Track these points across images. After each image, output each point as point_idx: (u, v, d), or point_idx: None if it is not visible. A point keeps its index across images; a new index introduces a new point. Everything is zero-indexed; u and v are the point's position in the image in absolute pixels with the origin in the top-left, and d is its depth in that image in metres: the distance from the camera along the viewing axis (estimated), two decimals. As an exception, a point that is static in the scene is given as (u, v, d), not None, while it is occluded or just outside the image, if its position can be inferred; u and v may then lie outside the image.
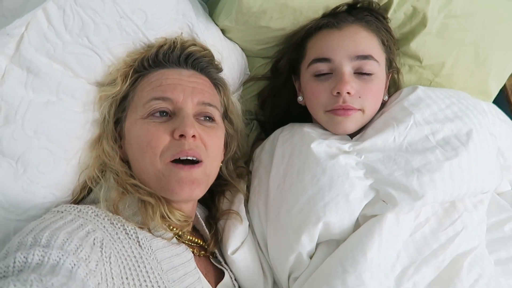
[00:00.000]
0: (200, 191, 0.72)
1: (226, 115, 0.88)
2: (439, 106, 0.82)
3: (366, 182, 0.74)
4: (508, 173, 0.93)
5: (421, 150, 0.76)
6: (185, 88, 0.74)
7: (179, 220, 0.70)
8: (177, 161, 0.69)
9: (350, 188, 0.73)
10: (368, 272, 0.66)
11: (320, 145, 0.79)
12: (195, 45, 0.81)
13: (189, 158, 0.69)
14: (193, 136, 0.70)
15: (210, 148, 0.74)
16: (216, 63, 0.85)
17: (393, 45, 0.90)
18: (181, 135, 0.69)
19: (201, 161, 0.71)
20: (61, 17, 0.66)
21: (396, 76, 0.95)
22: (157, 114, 0.72)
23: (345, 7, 0.88)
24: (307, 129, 0.85)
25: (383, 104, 0.90)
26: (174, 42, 0.79)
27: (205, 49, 0.83)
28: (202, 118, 0.76)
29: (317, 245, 0.75)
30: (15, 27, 0.61)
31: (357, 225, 0.74)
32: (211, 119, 0.77)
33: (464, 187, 0.74)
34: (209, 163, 0.73)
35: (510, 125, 0.96)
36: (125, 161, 0.75)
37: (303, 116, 0.95)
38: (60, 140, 0.70)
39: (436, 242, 0.71)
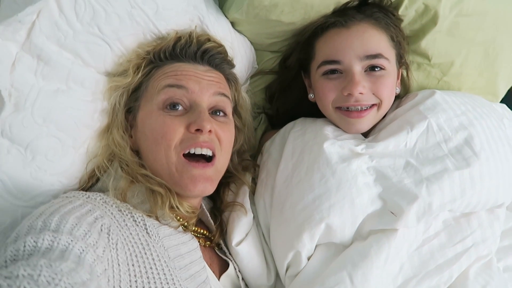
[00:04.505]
0: (212, 188, 0.74)
1: (235, 109, 0.89)
2: (455, 112, 0.81)
3: (375, 190, 0.74)
4: None
5: (431, 159, 0.75)
6: (200, 81, 0.75)
7: (187, 212, 0.71)
8: (191, 156, 0.71)
9: (357, 193, 0.73)
10: None
11: (333, 145, 0.79)
12: (210, 40, 0.82)
13: (203, 152, 0.71)
14: (209, 131, 0.71)
15: (224, 143, 0.75)
16: (229, 59, 0.86)
17: (403, 40, 0.89)
18: (197, 130, 0.70)
19: (214, 156, 0.73)
20: (73, 5, 0.65)
21: (405, 72, 0.94)
22: (173, 106, 0.72)
23: (356, 2, 0.87)
24: (321, 126, 0.85)
25: (397, 97, 0.90)
26: (190, 36, 0.79)
27: (220, 45, 0.84)
28: (216, 113, 0.77)
29: (315, 247, 0.75)
30: (26, 14, 0.61)
31: (357, 233, 0.73)
32: (224, 113, 0.78)
33: (475, 198, 0.73)
34: (222, 158, 0.75)
35: None
36: (135, 150, 0.76)
37: (313, 111, 0.94)
38: (68, 129, 0.70)
39: (443, 257, 0.70)
